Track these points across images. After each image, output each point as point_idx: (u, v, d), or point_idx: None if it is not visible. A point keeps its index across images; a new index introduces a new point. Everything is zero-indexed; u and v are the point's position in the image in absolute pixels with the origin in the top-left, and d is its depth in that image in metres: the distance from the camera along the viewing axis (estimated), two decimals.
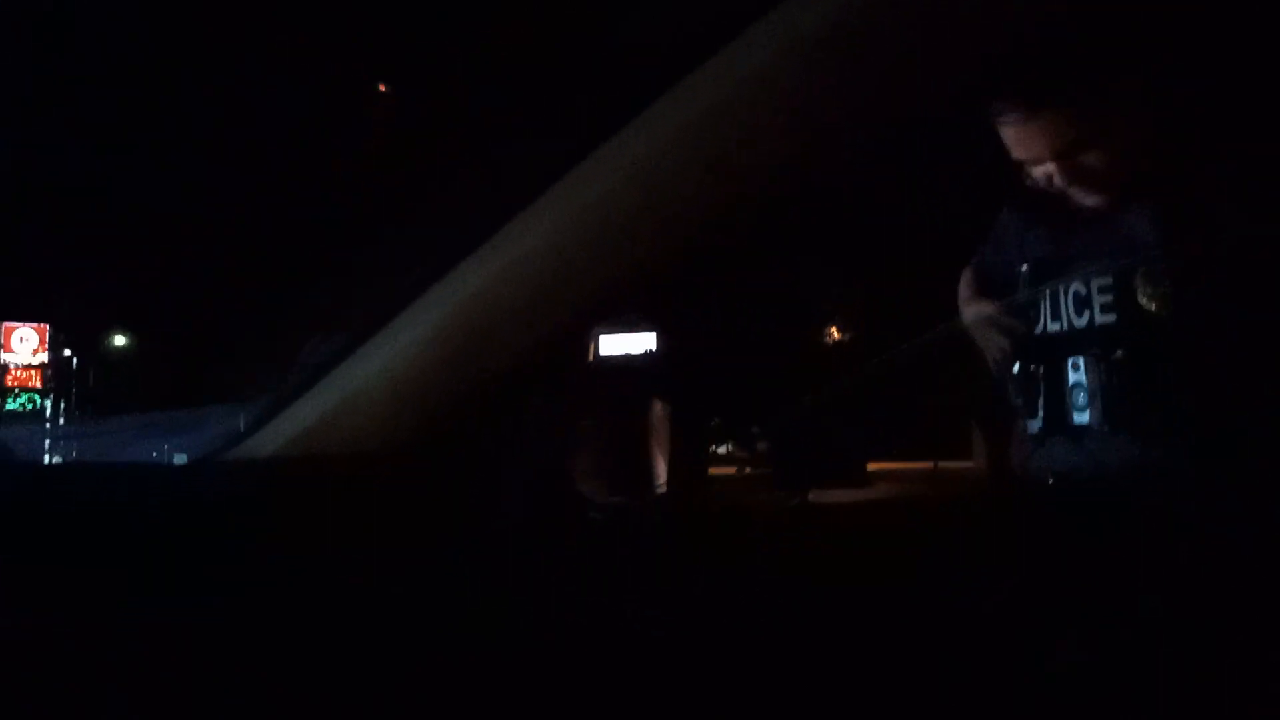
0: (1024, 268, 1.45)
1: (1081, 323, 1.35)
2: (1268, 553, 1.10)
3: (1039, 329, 1.40)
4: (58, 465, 0.90)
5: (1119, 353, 1.30)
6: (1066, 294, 1.37)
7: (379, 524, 0.90)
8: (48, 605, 0.76)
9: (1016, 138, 1.35)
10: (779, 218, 1.02)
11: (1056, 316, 1.39)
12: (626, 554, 0.99)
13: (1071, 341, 1.36)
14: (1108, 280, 1.33)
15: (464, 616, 0.90)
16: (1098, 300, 1.34)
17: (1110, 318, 1.33)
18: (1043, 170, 1.34)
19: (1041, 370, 1.39)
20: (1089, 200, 1.37)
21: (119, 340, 28.62)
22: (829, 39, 0.78)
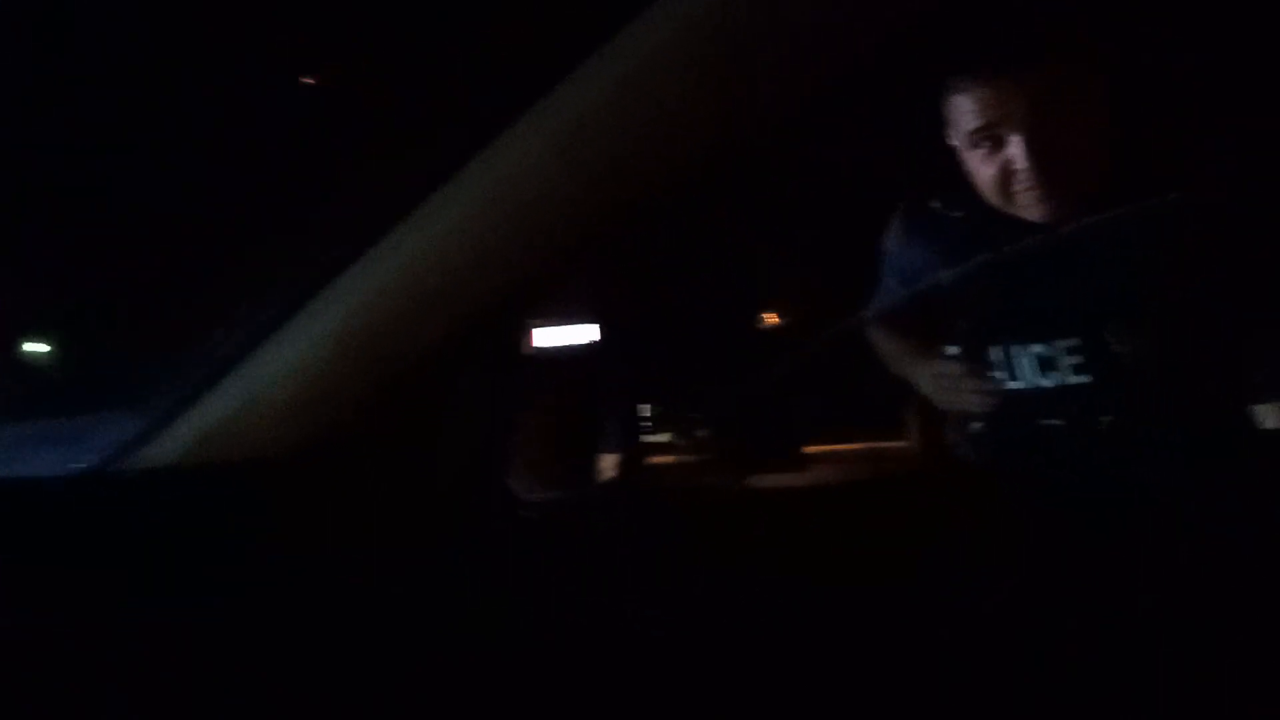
0: (960, 324, 1.35)
1: (1049, 383, 1.27)
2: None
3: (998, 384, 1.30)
4: None
5: (1106, 418, 1.22)
6: (1026, 353, 1.27)
7: (290, 530, 0.83)
8: None
9: (981, 99, 1.22)
10: (713, 200, 0.97)
11: (1016, 375, 1.29)
12: (562, 551, 0.94)
13: (1041, 402, 1.27)
14: (1075, 341, 1.24)
15: (385, 622, 0.84)
16: (1066, 361, 1.25)
17: (1084, 379, 1.24)
18: (1002, 144, 1.22)
19: (1010, 432, 1.30)
20: (1040, 204, 1.24)
21: (26, 345, 27.36)
22: None
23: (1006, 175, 1.26)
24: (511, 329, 0.99)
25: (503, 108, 0.77)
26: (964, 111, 1.26)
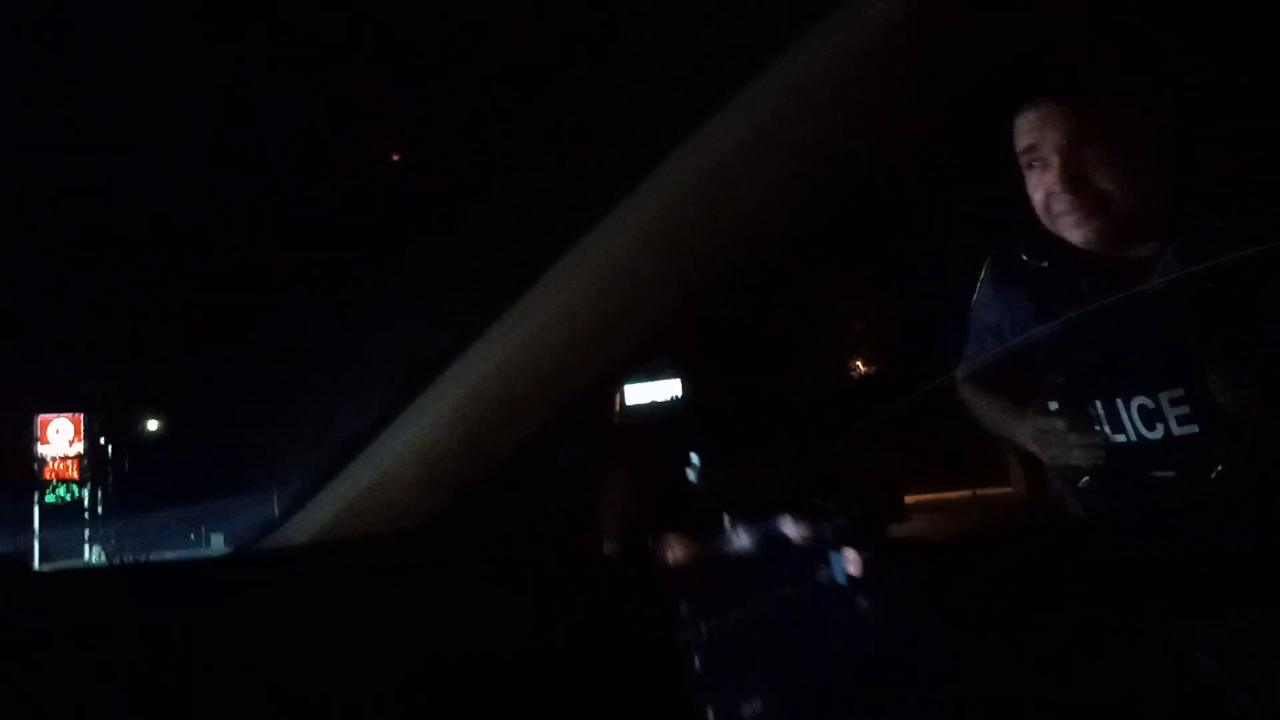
0: (1058, 378, 1.33)
1: (1156, 435, 1.24)
2: None
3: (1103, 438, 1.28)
4: (99, 569, 0.90)
5: (1216, 468, 1.19)
6: (1128, 406, 1.25)
7: (417, 601, 0.89)
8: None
9: (1028, 121, 1.25)
10: (796, 257, 1.01)
11: (1119, 428, 1.27)
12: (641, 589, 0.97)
13: (1150, 455, 1.24)
14: (1179, 392, 1.21)
15: (504, 686, 0.89)
16: (1171, 413, 1.22)
17: (1191, 429, 1.21)
18: (1047, 166, 1.23)
19: (1119, 484, 1.28)
20: (1078, 228, 1.24)
21: (152, 425, 29.04)
22: (827, 85, 0.78)
23: (1049, 196, 1.27)
24: (607, 401, 1.05)
25: (593, 205, 0.83)
26: (1017, 132, 1.29)
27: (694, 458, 1.09)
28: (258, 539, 0.95)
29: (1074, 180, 1.23)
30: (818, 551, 0.94)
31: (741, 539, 0.97)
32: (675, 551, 0.95)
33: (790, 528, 0.97)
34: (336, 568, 0.90)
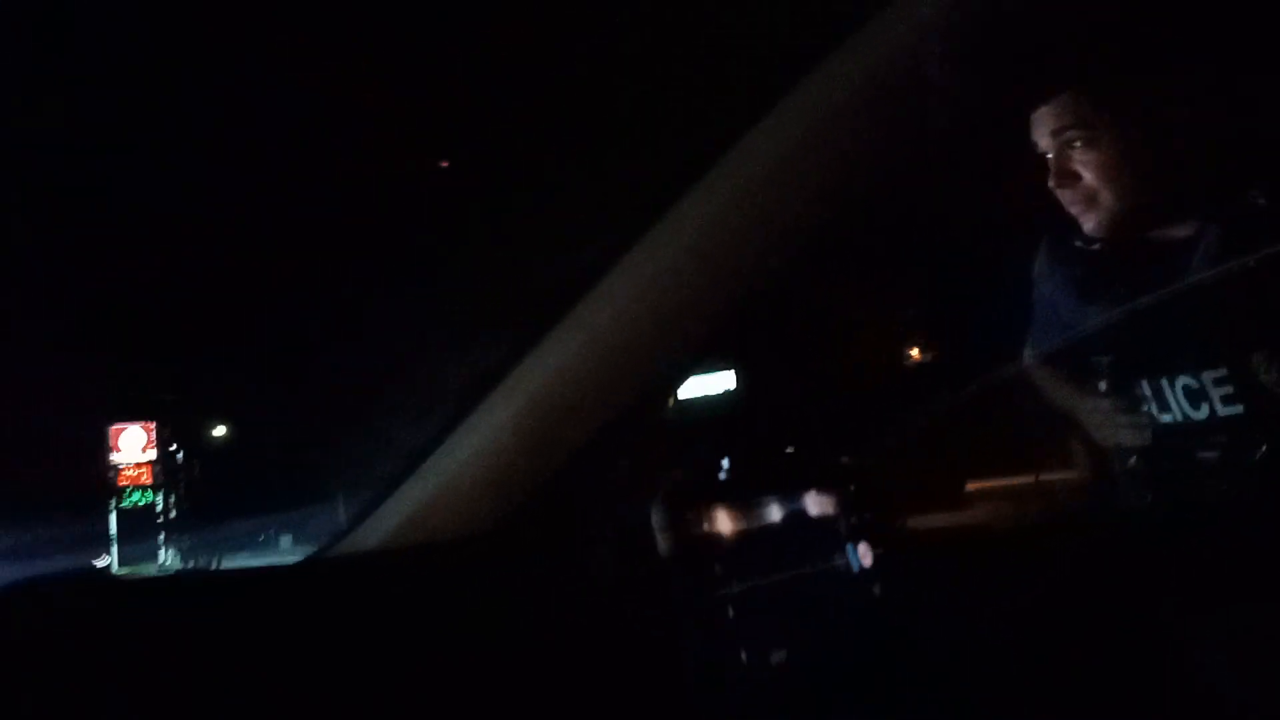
0: (1105, 359, 1.35)
1: (1200, 415, 1.25)
2: None
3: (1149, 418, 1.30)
4: (177, 577, 0.94)
5: (1260, 449, 1.20)
6: (1173, 386, 1.27)
7: (483, 606, 0.91)
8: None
9: (1044, 114, 1.28)
10: (844, 250, 1.02)
11: (1165, 408, 1.28)
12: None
13: (1195, 434, 1.25)
14: (1222, 372, 1.22)
15: (563, 686, 0.91)
16: (1215, 393, 1.23)
17: (1236, 409, 1.22)
18: (1058, 157, 1.27)
19: (1166, 464, 1.29)
20: (1090, 216, 1.28)
21: (220, 431, 29.93)
22: (867, 90, 0.78)
23: (1062, 185, 1.30)
24: (661, 406, 1.07)
25: (642, 215, 0.85)
26: (1034, 125, 1.32)
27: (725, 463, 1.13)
28: (328, 546, 0.98)
29: (1082, 171, 1.26)
30: (838, 539, 1.02)
31: (771, 517, 1.03)
32: (712, 522, 1.00)
33: (813, 510, 1.04)
34: (404, 574, 0.92)
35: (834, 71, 0.78)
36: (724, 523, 0.99)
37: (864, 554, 1.02)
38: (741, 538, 0.99)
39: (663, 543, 0.96)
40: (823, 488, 1.06)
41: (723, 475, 1.13)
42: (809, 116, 0.80)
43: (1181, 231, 1.27)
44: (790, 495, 1.04)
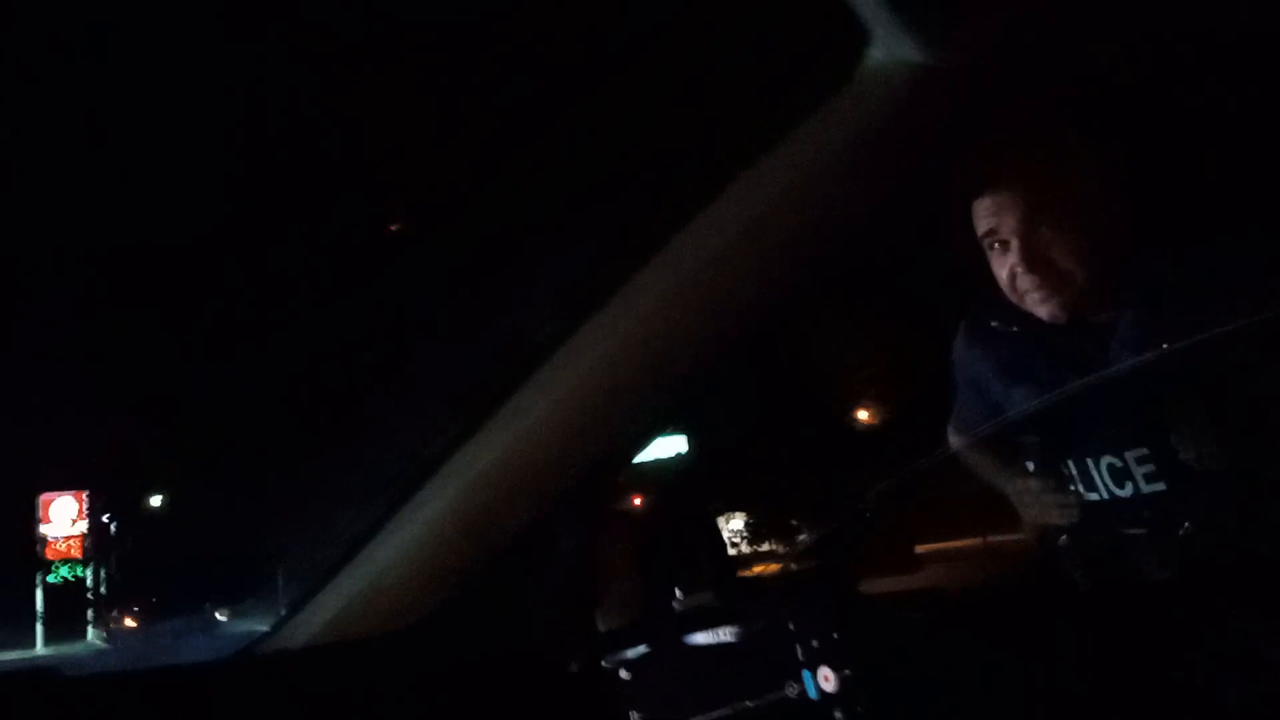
0: (1031, 440, 1.37)
1: (1126, 493, 1.26)
2: None
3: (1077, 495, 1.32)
4: (108, 676, 0.88)
5: (1186, 525, 1.21)
6: (1098, 465, 1.28)
7: (423, 701, 0.88)
8: None
9: (985, 206, 1.29)
10: (794, 317, 1.02)
11: (1091, 487, 1.30)
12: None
13: (1121, 513, 1.26)
14: (1144, 450, 1.24)
15: None
16: (1138, 471, 1.25)
17: (1159, 486, 1.23)
18: (1007, 248, 1.27)
19: (1095, 541, 1.30)
20: (1044, 304, 1.28)
21: (155, 501, 28.90)
22: (827, 170, 0.80)
23: (1012, 276, 1.30)
24: (602, 488, 1.05)
25: (577, 312, 0.85)
26: (976, 216, 1.32)
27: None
28: (260, 639, 0.94)
29: (1034, 261, 1.26)
30: (787, 666, 0.90)
31: (703, 645, 0.94)
32: (630, 660, 0.92)
33: (758, 637, 0.93)
34: (339, 671, 0.89)
35: (785, 159, 0.80)
36: (644, 654, 0.92)
37: (825, 679, 0.90)
38: (664, 669, 0.92)
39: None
40: (766, 605, 0.95)
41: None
42: (766, 198, 0.82)
43: (1102, 316, 1.29)
44: (726, 616, 0.93)
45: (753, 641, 0.92)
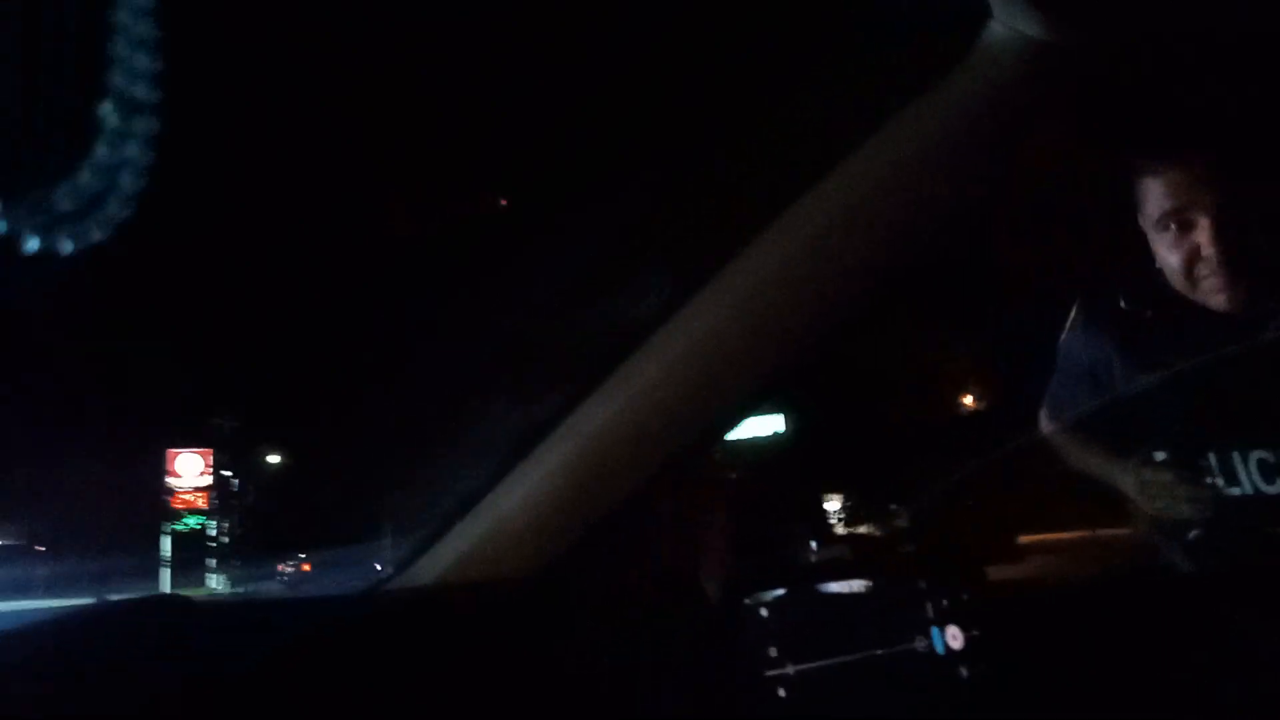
0: (1169, 429, 1.30)
1: (1275, 489, 1.20)
2: None
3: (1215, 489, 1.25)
4: (243, 601, 0.97)
5: None
6: (1246, 459, 1.22)
7: (531, 646, 0.93)
8: None
9: (1172, 182, 1.20)
10: (898, 298, 1.02)
11: (1234, 481, 1.24)
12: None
13: (1267, 510, 1.21)
14: None
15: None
16: None
17: None
18: (1191, 228, 1.19)
19: (1232, 539, 1.24)
20: (1223, 291, 1.20)
21: (273, 459, 30.53)
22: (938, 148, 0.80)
23: (1192, 261, 1.23)
24: (709, 453, 1.08)
25: (688, 285, 0.88)
26: (1154, 194, 1.23)
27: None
28: (385, 579, 1.01)
29: (1227, 244, 1.19)
30: (917, 621, 0.93)
31: (837, 594, 0.97)
32: (769, 601, 0.95)
33: (889, 592, 0.96)
34: (458, 609, 0.95)
35: (891, 140, 0.81)
36: (782, 596, 0.94)
37: (953, 637, 0.92)
38: (800, 612, 0.94)
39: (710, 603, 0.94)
40: (897, 562, 0.98)
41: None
42: (858, 187, 0.83)
43: (1269, 306, 1.22)
44: (859, 570, 0.97)
45: (884, 595, 0.95)
